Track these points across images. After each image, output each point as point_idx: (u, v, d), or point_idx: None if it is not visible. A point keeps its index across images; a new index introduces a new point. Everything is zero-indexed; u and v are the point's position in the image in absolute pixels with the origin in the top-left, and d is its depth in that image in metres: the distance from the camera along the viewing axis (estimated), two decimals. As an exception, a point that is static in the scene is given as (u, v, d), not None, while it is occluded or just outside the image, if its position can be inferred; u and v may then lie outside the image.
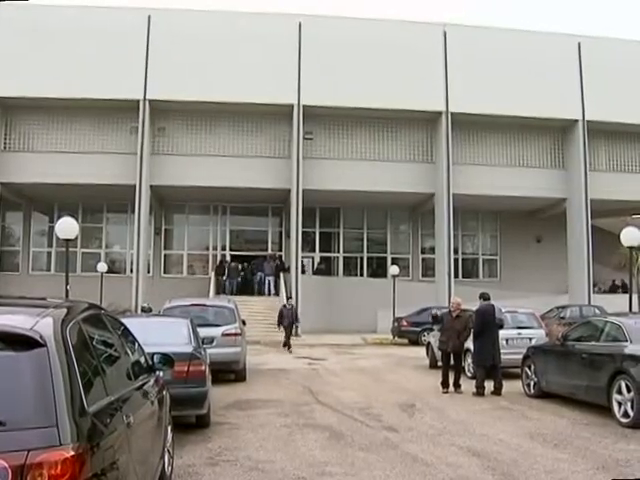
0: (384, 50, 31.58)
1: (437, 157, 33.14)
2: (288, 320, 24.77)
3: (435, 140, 33.44)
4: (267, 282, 33.68)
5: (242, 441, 8.87)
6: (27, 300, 5.14)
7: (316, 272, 35.78)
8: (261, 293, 33.60)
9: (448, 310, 14.54)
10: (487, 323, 13.54)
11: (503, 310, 14.92)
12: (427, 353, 18.99)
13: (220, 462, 7.74)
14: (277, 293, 33.38)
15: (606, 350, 10.62)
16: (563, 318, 26.60)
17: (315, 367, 18.84)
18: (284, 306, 25.64)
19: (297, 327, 26.63)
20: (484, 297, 14.02)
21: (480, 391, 13.05)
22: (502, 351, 13.98)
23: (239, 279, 34.27)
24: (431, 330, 20.31)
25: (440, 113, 32.36)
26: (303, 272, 34.28)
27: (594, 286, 34.05)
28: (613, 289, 36.28)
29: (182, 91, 30.44)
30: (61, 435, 3.15)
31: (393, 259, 37.01)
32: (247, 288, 33.97)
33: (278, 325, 25.16)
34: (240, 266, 34.63)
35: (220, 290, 33.10)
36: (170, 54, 30.57)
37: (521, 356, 13.53)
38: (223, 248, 36.82)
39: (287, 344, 24.40)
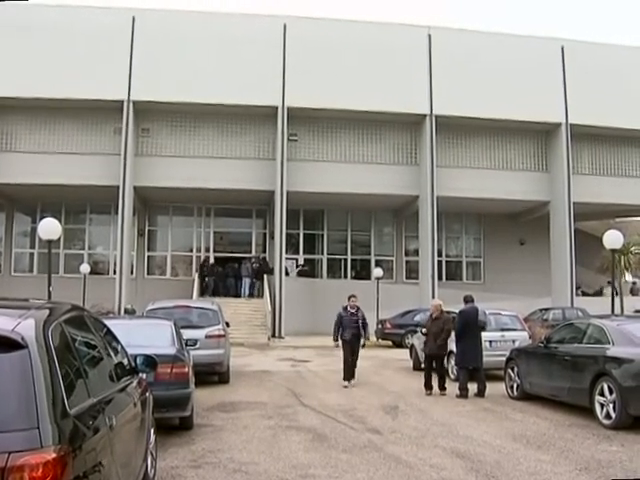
0: (369, 52, 31.64)
1: (421, 160, 33.20)
2: (351, 331, 15.21)
3: (419, 143, 33.51)
4: (243, 283, 33.72)
5: (225, 443, 8.86)
6: (9, 301, 5.10)
7: (299, 274, 35.78)
8: (237, 295, 33.55)
9: (430, 313, 14.58)
10: (469, 325, 13.59)
11: (487, 312, 14.94)
12: (411, 355, 19.02)
13: (203, 464, 7.72)
14: (253, 294, 33.43)
15: (589, 352, 10.68)
16: (546, 320, 26.73)
17: (299, 369, 18.84)
18: (344, 309, 15.65)
19: (364, 342, 15.81)
20: (467, 300, 14.08)
21: (463, 393, 13.10)
22: (486, 353, 14.06)
23: (225, 280, 34.39)
24: (414, 332, 20.36)
25: (424, 116, 32.42)
26: (300, 274, 34.94)
27: (577, 288, 34.24)
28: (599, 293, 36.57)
29: (166, 92, 30.34)
30: (42, 437, 3.14)
31: (377, 261, 37.03)
32: (230, 290, 33.96)
33: (336, 339, 15.65)
34: (221, 269, 34.68)
35: (204, 291, 33.08)
36: (154, 55, 30.48)
37: (504, 358, 13.59)
38: (207, 250, 36.71)
39: (349, 373, 15.23)
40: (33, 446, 3.09)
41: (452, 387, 13.64)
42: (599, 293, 36.67)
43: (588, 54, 32.96)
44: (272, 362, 20.66)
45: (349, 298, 15.89)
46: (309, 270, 36.30)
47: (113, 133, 31.81)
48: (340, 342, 15.55)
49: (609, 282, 35.77)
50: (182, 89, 30.29)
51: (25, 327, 3.52)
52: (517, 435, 9.41)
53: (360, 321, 15.36)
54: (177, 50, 30.60)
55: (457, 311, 14.40)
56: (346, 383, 14.92)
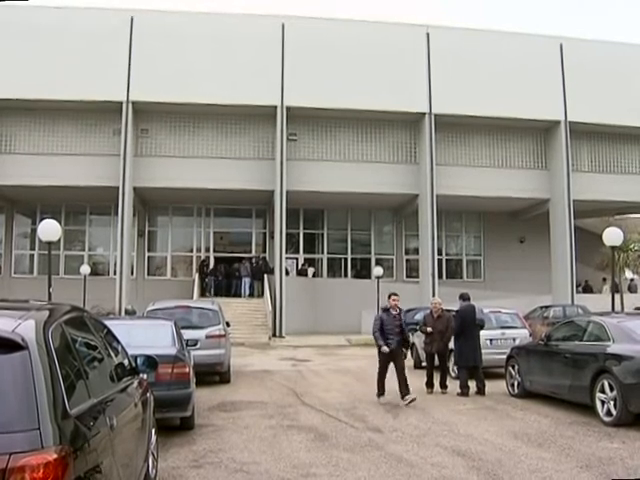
0: (367, 51, 31.62)
1: (421, 158, 33.19)
2: (395, 338, 12.47)
3: (419, 141, 33.49)
4: (243, 283, 33.77)
5: (227, 443, 8.86)
6: (9, 303, 5.11)
7: (300, 273, 35.80)
8: (237, 294, 33.59)
9: (429, 311, 14.54)
10: (467, 324, 13.57)
11: (485, 310, 14.91)
12: (411, 354, 18.99)
13: (205, 464, 7.73)
14: (253, 294, 33.47)
15: (589, 349, 10.68)
16: (546, 318, 26.71)
17: (299, 368, 18.84)
18: (385, 310, 12.88)
19: (409, 349, 13.93)
20: (464, 297, 14.07)
21: (464, 391, 13.10)
22: (486, 351, 14.05)
23: (225, 280, 34.50)
24: (415, 331, 20.33)
25: (423, 114, 32.40)
26: (305, 274, 35.17)
27: (578, 286, 34.28)
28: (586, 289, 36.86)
29: (165, 92, 30.32)
30: (43, 438, 3.14)
31: (377, 260, 37.05)
32: (230, 290, 34.01)
33: (382, 344, 12.43)
34: (221, 269, 34.74)
35: (204, 291, 33.13)
36: (153, 55, 30.45)
37: (505, 356, 13.59)
38: (207, 250, 36.75)
39: (404, 389, 12.33)
40: (34, 447, 3.09)
41: (453, 385, 13.65)
42: (590, 290, 36.82)
43: (587, 52, 32.97)
44: (273, 362, 20.66)
45: (389, 297, 13.06)
46: (309, 270, 36.22)
47: (112, 134, 31.78)
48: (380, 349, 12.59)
49: (604, 279, 35.94)
50: (181, 89, 30.28)
51: (25, 328, 3.52)
52: (518, 433, 9.41)
53: (404, 323, 12.87)
54: (176, 50, 30.57)
55: (455, 310, 14.40)
56: (382, 399, 12.55)
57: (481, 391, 13.17)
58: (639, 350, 9.64)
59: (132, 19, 30.64)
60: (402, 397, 12.20)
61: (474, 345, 13.55)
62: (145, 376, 6.53)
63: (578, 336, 11.36)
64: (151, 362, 6.26)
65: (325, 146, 33.21)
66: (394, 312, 12.65)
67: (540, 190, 33.92)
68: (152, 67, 30.39)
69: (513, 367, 12.99)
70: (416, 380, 15.02)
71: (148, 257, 36.72)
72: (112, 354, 5.37)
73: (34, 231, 31.14)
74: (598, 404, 10.05)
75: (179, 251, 37.33)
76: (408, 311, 27.34)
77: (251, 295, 33.53)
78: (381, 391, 12.65)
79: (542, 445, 8.64)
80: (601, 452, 8.19)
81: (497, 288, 34.04)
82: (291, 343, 27.54)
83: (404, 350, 12.81)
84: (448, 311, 14.39)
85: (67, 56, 29.77)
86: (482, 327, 13.99)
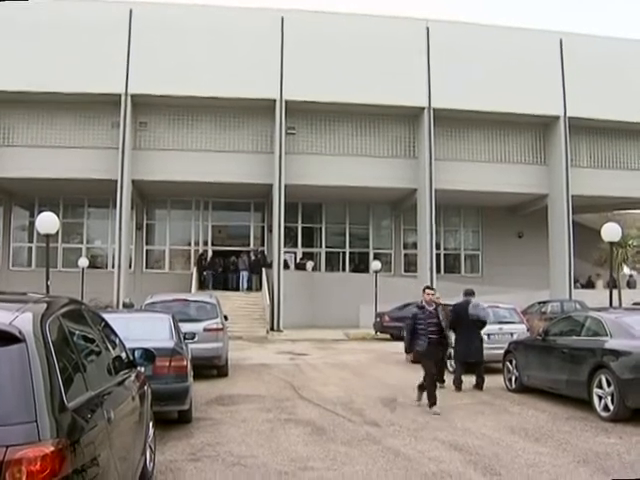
0: (367, 45, 31.57)
1: (419, 153, 33.19)
2: (431, 337, 10.98)
3: (417, 136, 33.48)
4: (241, 277, 33.79)
5: (224, 436, 8.86)
6: (6, 295, 5.10)
7: (298, 267, 35.79)
8: (235, 288, 33.61)
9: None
10: (460, 319, 13.53)
11: (484, 306, 14.85)
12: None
13: (202, 458, 7.72)
14: (251, 287, 33.48)
15: (587, 345, 10.68)
16: (544, 313, 26.72)
17: (297, 362, 18.82)
18: (420, 307, 11.39)
19: (449, 357, 13.71)
20: (465, 293, 14.07)
21: (456, 384, 13.07)
22: (484, 346, 13.96)
23: (223, 273, 34.56)
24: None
25: (423, 109, 32.39)
26: (304, 268, 35.11)
27: (575, 281, 34.29)
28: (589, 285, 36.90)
29: (164, 86, 30.26)
30: (40, 431, 3.13)
31: (375, 254, 37.04)
32: (229, 283, 34.03)
33: (410, 349, 11.43)
34: (219, 262, 34.77)
35: (202, 285, 33.13)
36: (152, 48, 30.39)
37: (502, 351, 13.59)
38: (205, 243, 36.74)
39: (424, 394, 11.10)
40: (31, 439, 3.09)
41: (451, 380, 13.65)
42: (592, 285, 36.88)
43: (586, 47, 32.91)
44: (271, 355, 20.66)
45: (424, 290, 11.54)
46: (306, 263, 36.19)
47: (111, 127, 31.74)
48: (412, 354, 11.49)
49: (598, 275, 35.99)
50: (180, 82, 30.22)
51: (23, 321, 3.51)
52: (515, 428, 9.42)
53: (443, 323, 11.18)
54: (175, 43, 30.51)
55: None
56: (435, 409, 10.57)
57: (479, 386, 13.17)
58: (637, 345, 9.64)
59: (131, 12, 30.57)
60: (418, 399, 11.31)
61: (468, 341, 13.51)
62: (143, 369, 6.52)
63: (576, 331, 11.36)
64: (149, 355, 6.24)
65: (324, 140, 33.19)
66: (430, 308, 11.14)
67: (539, 185, 33.94)
68: (151, 60, 30.33)
69: (511, 362, 12.99)
70: (413, 374, 15.06)
71: (146, 250, 36.70)
72: (110, 347, 5.37)
73: (32, 224, 31.06)
74: (595, 399, 10.06)
75: (177, 244, 37.30)
76: (406, 306, 27.51)
77: (249, 289, 33.55)
78: (433, 399, 10.75)
79: (539, 440, 8.65)
80: (598, 447, 8.19)
81: (495, 283, 34.02)
82: (289, 337, 27.54)
83: (443, 351, 11.75)
84: (447, 305, 14.39)
85: (66, 49, 29.71)
86: (484, 323, 13.89)
